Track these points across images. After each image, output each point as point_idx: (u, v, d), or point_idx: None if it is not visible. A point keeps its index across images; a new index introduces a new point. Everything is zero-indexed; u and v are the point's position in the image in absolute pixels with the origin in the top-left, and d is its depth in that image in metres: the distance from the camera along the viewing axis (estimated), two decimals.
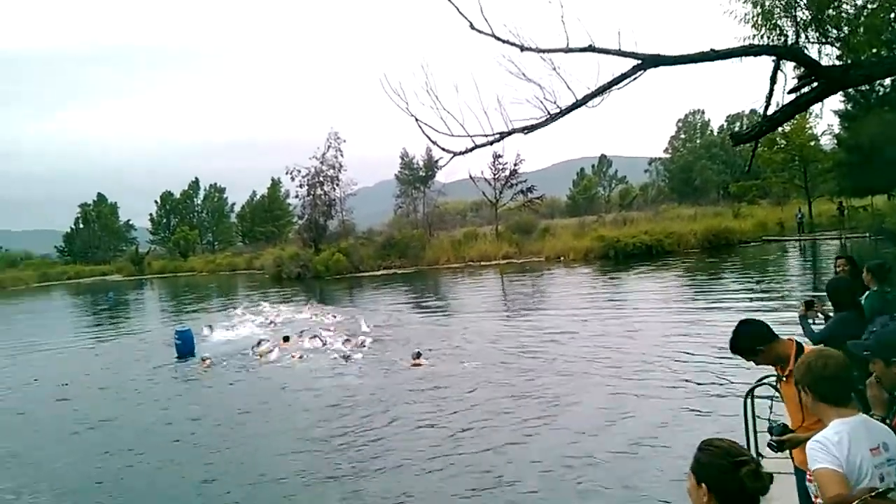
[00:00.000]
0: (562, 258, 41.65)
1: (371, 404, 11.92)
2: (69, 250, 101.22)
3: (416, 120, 5.73)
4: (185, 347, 18.26)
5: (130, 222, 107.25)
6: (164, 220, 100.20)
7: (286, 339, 18.85)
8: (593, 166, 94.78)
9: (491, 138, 5.54)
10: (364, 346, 17.66)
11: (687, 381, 11.38)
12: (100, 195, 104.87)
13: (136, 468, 9.72)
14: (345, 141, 52.37)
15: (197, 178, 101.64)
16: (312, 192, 52.81)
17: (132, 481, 9.23)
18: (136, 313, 36.16)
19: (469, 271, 41.36)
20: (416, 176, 54.92)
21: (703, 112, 79.40)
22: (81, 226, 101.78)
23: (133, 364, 18.20)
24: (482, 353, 15.41)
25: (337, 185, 53.48)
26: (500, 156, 49.59)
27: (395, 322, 22.19)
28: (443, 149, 5.76)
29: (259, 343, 18.56)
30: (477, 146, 5.62)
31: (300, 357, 16.99)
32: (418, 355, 15.24)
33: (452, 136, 5.47)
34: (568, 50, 5.19)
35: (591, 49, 5.16)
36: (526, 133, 5.42)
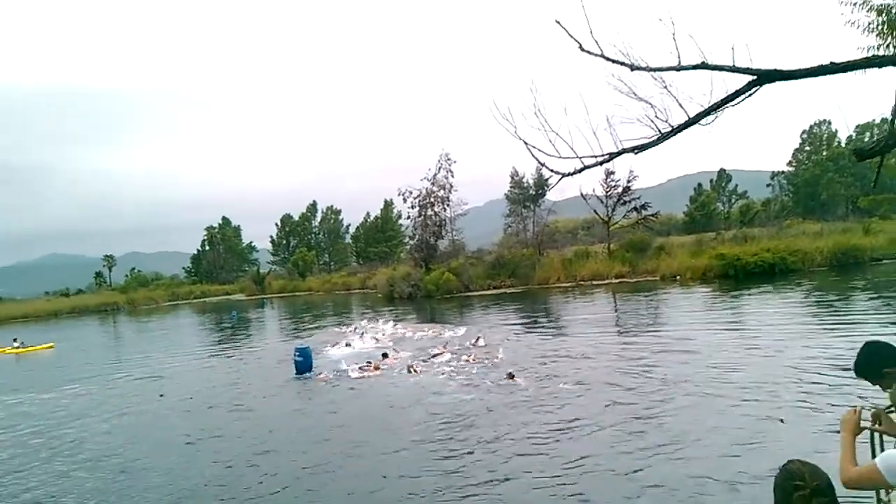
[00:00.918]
0: (678, 277, 40.29)
1: (477, 420, 12.00)
2: (196, 271, 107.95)
3: (525, 143, 5.78)
4: (304, 364, 19.03)
5: (252, 244, 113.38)
6: (284, 242, 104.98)
7: (384, 355, 20.08)
8: (712, 181, 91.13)
9: (600, 159, 5.49)
10: (473, 362, 18.08)
11: (816, 405, 10.78)
12: (224, 218, 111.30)
13: (253, 477, 10.19)
14: (455, 162, 53.31)
15: (315, 201, 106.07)
16: (423, 213, 53.81)
17: (251, 488, 9.69)
18: (258, 331, 37.90)
19: (580, 290, 40.69)
20: (526, 195, 54.83)
21: (829, 122, 74.73)
22: (207, 247, 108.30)
23: (255, 379, 19.15)
24: (597, 373, 15.15)
25: (447, 205, 54.33)
26: (612, 172, 48.61)
27: (502, 340, 22.24)
28: (551, 170, 5.75)
29: (371, 359, 19.64)
30: (586, 167, 5.58)
31: (410, 371, 17.64)
32: (511, 376, 15.54)
33: (561, 157, 5.46)
34: (680, 68, 5.09)
35: (703, 66, 5.03)
36: (636, 153, 5.34)
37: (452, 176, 53.24)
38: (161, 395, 18.01)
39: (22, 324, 60.37)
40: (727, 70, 4.99)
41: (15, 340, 35.99)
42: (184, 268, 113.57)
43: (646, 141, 5.28)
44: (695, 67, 5.09)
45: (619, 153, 5.38)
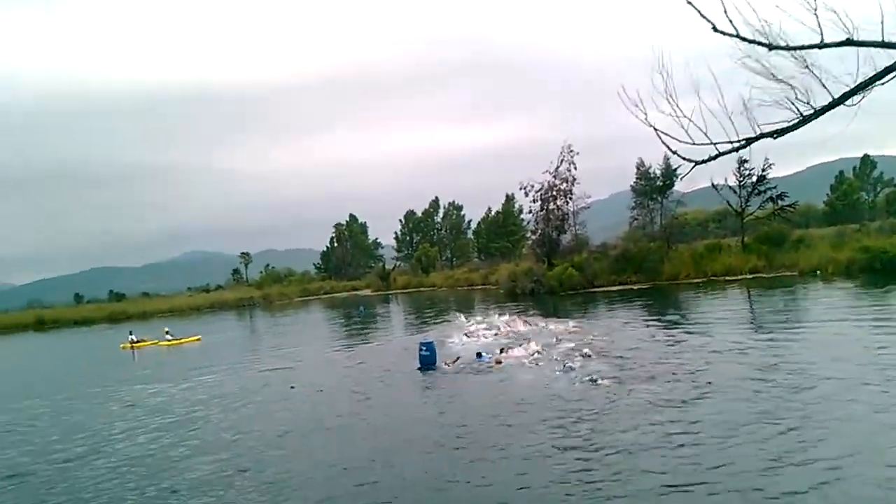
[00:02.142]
0: (819, 272, 37.80)
1: (599, 418, 11.85)
2: (325, 267, 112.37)
3: (655, 130, 5.66)
4: (429, 358, 19.46)
5: (378, 240, 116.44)
6: (408, 238, 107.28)
7: (502, 350, 20.22)
8: (855, 168, 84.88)
9: (736, 145, 5.29)
10: (590, 358, 17.95)
11: None
12: (351, 216, 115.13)
13: (382, 463, 10.57)
14: (578, 153, 52.22)
15: (437, 197, 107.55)
16: (545, 207, 53.25)
17: (379, 476, 10.05)
18: (384, 326, 39.07)
19: (712, 287, 38.99)
20: (653, 186, 53.11)
21: None
22: (336, 244, 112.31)
23: (383, 372, 19.83)
24: (728, 376, 14.46)
25: (570, 198, 53.41)
26: (745, 161, 45.81)
27: (624, 336, 21.98)
28: (684, 158, 5.60)
29: (494, 351, 20.10)
30: (721, 154, 5.39)
31: (529, 364, 18.04)
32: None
33: (694, 144, 5.30)
34: (822, 45, 4.81)
35: (849, 43, 4.73)
36: (776, 137, 5.09)
37: (575, 168, 52.29)
38: (292, 387, 18.85)
39: (168, 318, 65.11)
40: (877, 46, 4.69)
41: (167, 333, 38.92)
42: (314, 264, 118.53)
43: (786, 125, 5.04)
44: (839, 44, 4.81)
45: (756, 138, 5.16)
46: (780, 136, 5.10)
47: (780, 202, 46.66)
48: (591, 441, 10.61)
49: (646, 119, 5.52)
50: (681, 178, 48.38)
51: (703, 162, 5.51)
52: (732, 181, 47.32)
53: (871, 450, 8.98)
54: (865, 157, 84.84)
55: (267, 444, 12.77)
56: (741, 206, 47.65)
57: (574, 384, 15.07)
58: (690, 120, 5.39)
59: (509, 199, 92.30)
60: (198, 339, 38.40)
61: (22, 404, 20.80)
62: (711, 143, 5.39)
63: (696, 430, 10.62)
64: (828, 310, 24.03)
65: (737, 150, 5.38)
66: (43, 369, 33.16)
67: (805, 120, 4.94)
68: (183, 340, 37.70)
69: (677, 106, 5.43)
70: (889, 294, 26.89)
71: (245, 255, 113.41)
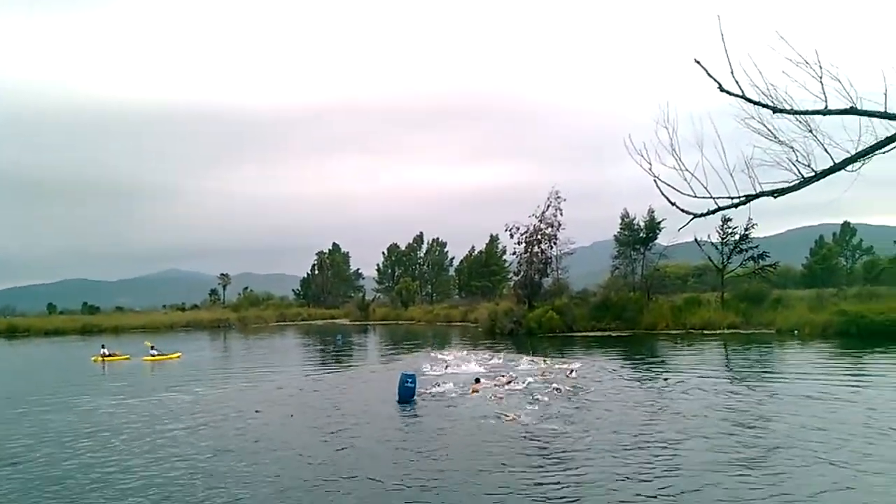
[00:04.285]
0: (796, 332, 38.18)
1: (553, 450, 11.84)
2: (304, 294, 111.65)
3: (656, 181, 5.77)
4: (410, 389, 19.37)
5: (359, 271, 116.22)
6: (390, 271, 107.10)
7: (477, 380, 21.31)
8: (834, 234, 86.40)
9: (736, 201, 5.40)
10: (559, 392, 19.15)
11: None
12: (335, 244, 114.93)
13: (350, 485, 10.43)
14: (565, 200, 52.82)
15: (422, 233, 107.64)
16: (530, 250, 53.58)
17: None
18: (363, 355, 38.79)
19: (690, 339, 39.21)
20: (636, 237, 53.64)
21: None
22: (317, 272, 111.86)
23: (359, 402, 19.61)
24: (700, 420, 14.57)
25: (554, 243, 53.87)
26: (729, 219, 46.79)
27: (595, 376, 23.00)
28: (682, 210, 5.71)
29: (467, 383, 21.13)
30: (720, 208, 5.50)
31: (497, 397, 18.72)
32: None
33: (696, 197, 5.41)
34: (826, 112, 4.96)
35: (852, 111, 4.89)
36: (776, 196, 5.21)
37: (561, 214, 52.90)
38: (258, 411, 18.44)
39: (141, 334, 64.09)
40: (879, 116, 4.84)
41: (153, 348, 38.40)
42: (293, 290, 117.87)
43: (786, 185, 5.16)
44: (843, 112, 4.96)
45: (756, 196, 5.28)
46: (781, 195, 5.22)
47: (761, 261, 47.35)
48: (544, 473, 10.58)
49: (650, 169, 5.64)
50: (679, 230, 47.01)
51: (703, 215, 5.62)
52: (715, 238, 48.10)
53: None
54: (846, 224, 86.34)
55: (192, 467, 12.55)
56: (723, 262, 48.28)
57: (540, 418, 15.49)
58: (693, 174, 5.52)
59: (493, 240, 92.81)
60: (178, 356, 37.95)
61: None
62: (712, 198, 5.51)
63: (649, 470, 10.84)
64: (802, 367, 24.29)
65: (736, 206, 5.50)
66: (5, 378, 32.44)
67: (805, 182, 5.07)
68: (167, 356, 37.32)
69: (680, 159, 5.56)
70: (862, 357, 27.24)
71: (224, 276, 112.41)
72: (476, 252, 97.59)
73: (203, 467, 12.52)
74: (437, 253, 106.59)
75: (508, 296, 64.55)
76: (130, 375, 29.86)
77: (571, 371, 23.32)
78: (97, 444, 14.98)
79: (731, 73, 5.29)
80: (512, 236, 54.37)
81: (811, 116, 5.05)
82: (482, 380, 21.55)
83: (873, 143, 4.83)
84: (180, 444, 14.58)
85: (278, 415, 17.86)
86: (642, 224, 52.79)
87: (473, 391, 19.68)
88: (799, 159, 5.14)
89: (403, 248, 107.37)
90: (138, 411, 19.19)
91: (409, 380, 19.52)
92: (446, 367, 26.13)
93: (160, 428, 16.52)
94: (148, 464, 12.88)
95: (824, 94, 4.97)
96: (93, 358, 37.70)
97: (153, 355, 37.14)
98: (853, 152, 4.93)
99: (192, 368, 31.96)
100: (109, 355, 37.64)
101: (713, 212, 5.61)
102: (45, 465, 13.25)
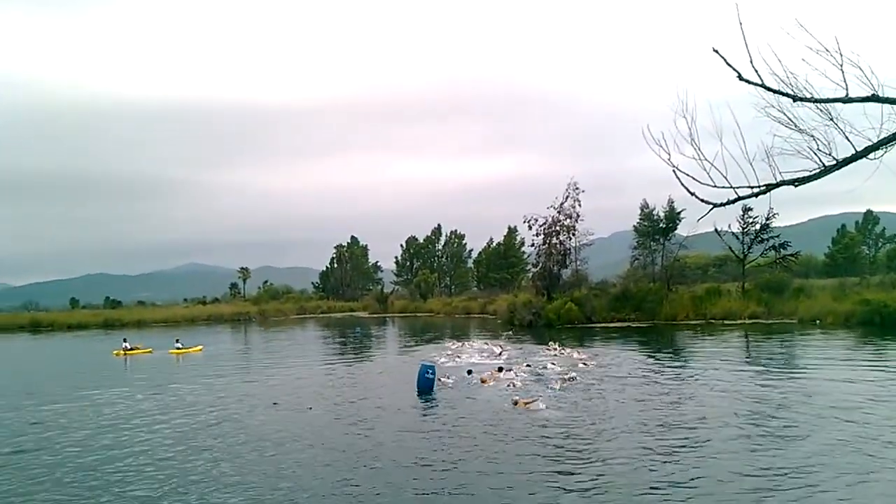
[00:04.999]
0: (818, 321, 37.85)
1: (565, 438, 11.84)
2: (323, 287, 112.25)
3: (675, 171, 5.73)
4: (430, 380, 19.39)
5: (378, 263, 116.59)
6: (408, 263, 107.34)
7: (500, 369, 21.62)
8: (857, 223, 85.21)
9: (756, 190, 5.35)
10: (574, 381, 19.51)
11: None
12: (353, 238, 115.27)
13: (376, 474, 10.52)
14: (583, 191, 52.59)
15: (440, 225, 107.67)
16: (548, 241, 53.41)
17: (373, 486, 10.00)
18: (381, 347, 39.00)
19: (710, 329, 38.98)
20: (656, 227, 53.29)
21: None
22: (335, 265, 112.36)
23: (379, 392, 19.77)
24: (720, 410, 14.52)
25: (573, 234, 53.64)
26: (750, 209, 46.33)
27: (614, 366, 23.22)
28: (702, 200, 5.66)
29: (486, 372, 21.45)
30: (740, 198, 5.45)
31: (513, 385, 19.07)
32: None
33: (715, 187, 5.37)
34: (847, 100, 4.90)
35: (874, 98, 4.83)
36: (796, 185, 5.16)
37: (580, 205, 52.67)
38: (275, 403, 18.62)
39: (162, 328, 64.66)
40: None
41: (177, 341, 38.97)
42: (313, 283, 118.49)
43: (807, 174, 5.11)
44: (864, 100, 4.90)
45: (777, 185, 5.23)
46: (801, 184, 5.17)
47: (782, 251, 46.88)
48: (562, 460, 10.59)
49: (669, 160, 5.60)
50: (698, 220, 48.19)
51: (723, 205, 5.57)
52: (736, 227, 47.68)
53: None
54: (868, 213, 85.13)
55: (213, 458, 12.69)
56: (743, 252, 47.86)
57: (559, 406, 15.69)
58: (712, 164, 5.47)
59: (511, 232, 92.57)
60: (200, 349, 38.47)
61: None
62: (732, 188, 5.46)
63: (674, 455, 10.77)
64: (826, 356, 24.13)
65: (756, 195, 5.45)
66: (31, 370, 32.95)
67: (827, 170, 5.01)
68: (190, 350, 37.94)
69: (699, 149, 5.52)
70: (888, 346, 26.97)
71: (244, 270, 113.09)
72: (495, 244, 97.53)
73: (223, 459, 12.68)
74: (455, 245, 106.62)
75: (527, 287, 64.38)
76: (152, 369, 30.18)
77: (590, 361, 23.43)
78: (119, 435, 15.23)
79: (751, 61, 5.23)
80: (531, 228, 54.28)
81: (832, 104, 4.99)
82: (503, 368, 21.73)
83: (895, 130, 4.77)
84: (199, 436, 14.77)
85: (296, 407, 17.98)
86: (662, 214, 52.48)
87: (491, 380, 19.96)
88: (820, 147, 5.08)
89: (422, 241, 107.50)
90: (159, 404, 19.44)
91: (429, 371, 19.55)
92: (465, 357, 26.47)
93: (179, 421, 16.71)
94: (169, 456, 13.07)
95: (845, 81, 4.91)
96: (114, 352, 38.21)
97: (178, 348, 37.63)
98: (875, 140, 4.87)
99: (214, 361, 32.33)
100: (131, 349, 38.13)
101: (733, 201, 5.56)
102: (74, 454, 13.50)
